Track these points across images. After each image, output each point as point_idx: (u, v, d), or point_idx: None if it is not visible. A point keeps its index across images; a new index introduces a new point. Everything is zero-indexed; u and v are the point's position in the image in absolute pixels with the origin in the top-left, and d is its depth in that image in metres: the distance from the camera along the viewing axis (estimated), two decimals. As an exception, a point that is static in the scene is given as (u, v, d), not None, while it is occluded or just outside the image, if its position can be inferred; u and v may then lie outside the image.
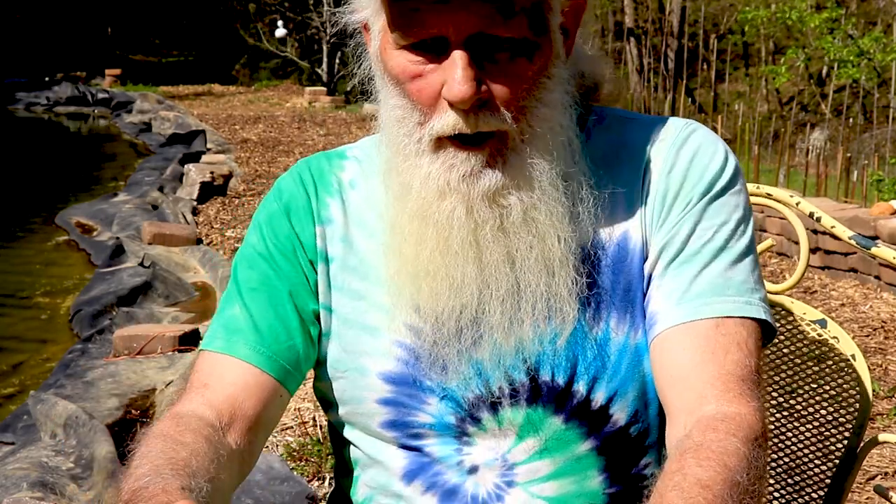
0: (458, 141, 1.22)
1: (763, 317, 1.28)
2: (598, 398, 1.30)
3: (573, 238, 1.27)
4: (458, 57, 1.17)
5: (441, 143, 1.23)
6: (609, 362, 1.29)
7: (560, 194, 1.26)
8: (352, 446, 1.39)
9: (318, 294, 1.37)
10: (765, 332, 1.30)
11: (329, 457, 3.51)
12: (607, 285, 1.30)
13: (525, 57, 1.20)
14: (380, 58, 1.26)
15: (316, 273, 1.37)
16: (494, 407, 1.30)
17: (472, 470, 1.32)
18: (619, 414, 1.31)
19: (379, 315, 1.33)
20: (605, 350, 1.29)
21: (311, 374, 1.42)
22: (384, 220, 1.34)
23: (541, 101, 1.23)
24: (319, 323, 1.37)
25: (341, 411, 1.37)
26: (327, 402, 1.40)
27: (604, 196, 1.30)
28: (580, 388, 1.29)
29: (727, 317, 1.26)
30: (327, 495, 1.53)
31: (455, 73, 1.17)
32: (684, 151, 1.33)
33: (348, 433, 1.39)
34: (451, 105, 1.20)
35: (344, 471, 1.43)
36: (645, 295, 1.31)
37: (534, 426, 1.30)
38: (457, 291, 1.26)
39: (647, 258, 1.31)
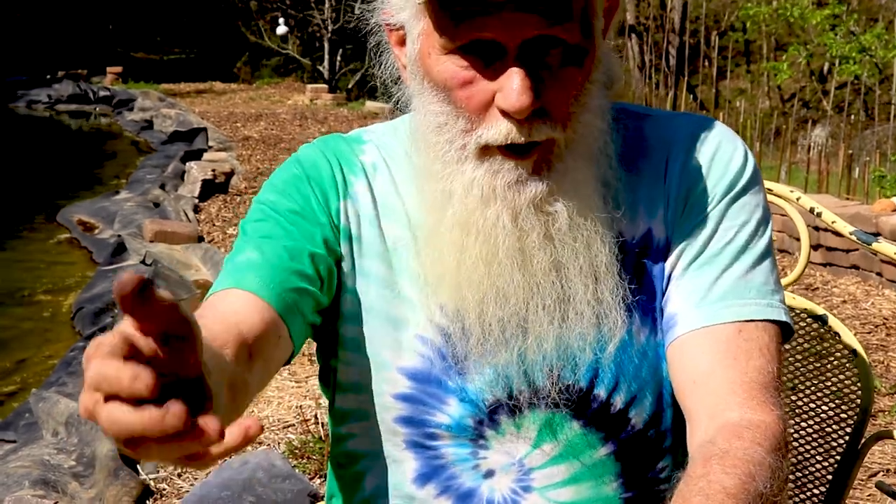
0: (506, 150, 1.19)
1: (784, 319, 1.27)
2: (618, 402, 1.29)
3: (616, 243, 1.25)
4: (515, 65, 1.14)
5: (487, 150, 1.19)
6: (630, 365, 1.28)
7: (601, 200, 1.24)
8: (360, 439, 1.36)
9: (342, 273, 1.31)
10: (783, 331, 1.29)
11: (331, 454, 3.51)
12: (632, 287, 1.28)
13: (575, 64, 1.17)
14: (419, 63, 1.21)
15: (339, 246, 1.31)
16: (514, 411, 1.28)
17: (489, 474, 1.30)
18: (637, 418, 1.30)
19: (404, 308, 1.30)
20: (627, 353, 1.28)
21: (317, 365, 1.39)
22: (411, 217, 1.31)
23: (585, 107, 1.21)
24: (335, 285, 1.31)
25: (358, 399, 1.34)
26: (344, 387, 1.36)
27: (629, 196, 1.29)
28: (601, 392, 1.28)
29: (749, 320, 1.25)
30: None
31: (514, 83, 1.13)
32: (705, 149, 1.31)
33: (359, 425, 1.35)
34: (505, 114, 1.16)
35: (349, 462, 1.40)
36: (664, 295, 1.30)
37: (552, 431, 1.29)
38: (503, 301, 1.23)
39: (668, 258, 1.30)
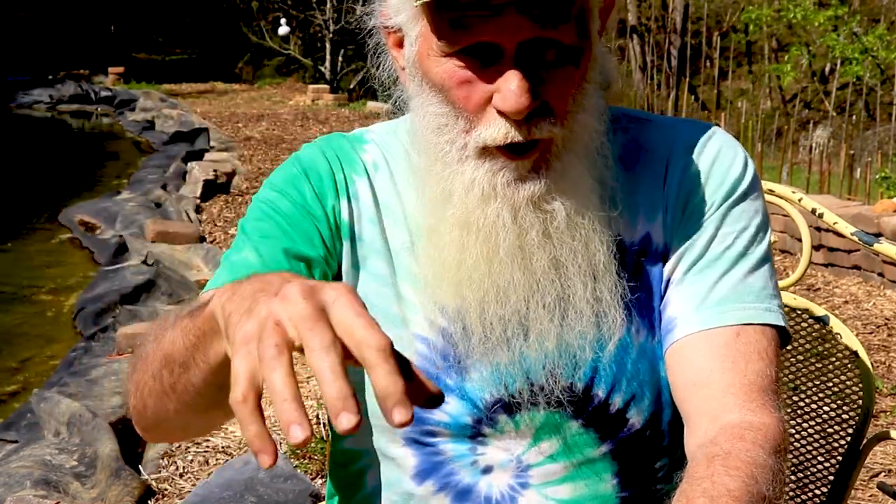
0: (506, 150, 1.19)
1: (781, 323, 1.28)
2: (617, 402, 1.29)
3: (613, 242, 1.26)
4: (512, 66, 1.14)
5: (487, 150, 1.20)
6: (629, 365, 1.29)
7: (598, 199, 1.24)
8: (358, 437, 1.36)
9: (342, 272, 1.33)
10: (781, 336, 1.30)
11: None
12: (630, 286, 1.29)
13: (572, 63, 1.18)
14: (418, 65, 1.22)
15: (341, 244, 1.32)
16: (512, 410, 1.29)
17: (487, 470, 1.31)
18: (636, 418, 1.30)
19: (404, 308, 1.31)
20: (625, 354, 1.29)
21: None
22: (408, 218, 1.32)
23: (581, 106, 1.21)
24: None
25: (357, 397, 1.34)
26: None
27: (627, 199, 1.30)
28: (599, 392, 1.29)
29: (747, 324, 1.26)
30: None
31: (511, 84, 1.14)
32: (705, 155, 1.32)
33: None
34: (503, 114, 1.17)
35: (348, 461, 1.40)
36: (662, 298, 1.31)
37: (550, 429, 1.29)
38: (504, 299, 1.23)
39: (666, 262, 1.31)
